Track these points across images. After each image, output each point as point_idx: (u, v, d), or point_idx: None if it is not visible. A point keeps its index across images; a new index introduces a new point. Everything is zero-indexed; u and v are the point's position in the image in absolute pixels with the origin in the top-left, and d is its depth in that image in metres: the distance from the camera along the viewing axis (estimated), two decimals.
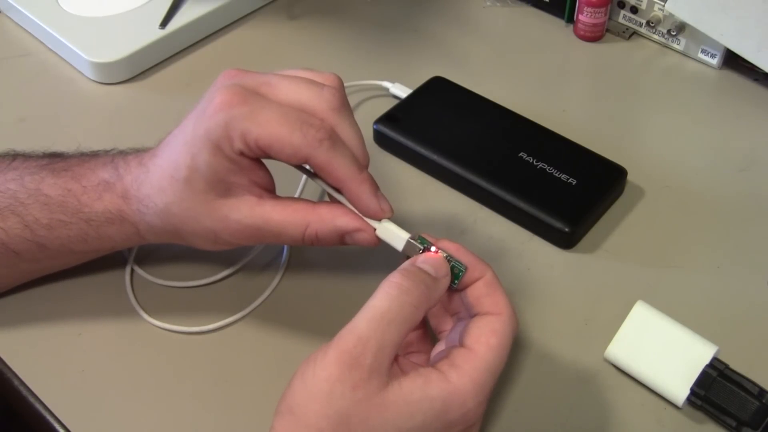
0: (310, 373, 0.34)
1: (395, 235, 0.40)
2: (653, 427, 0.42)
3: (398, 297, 0.36)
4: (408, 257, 0.40)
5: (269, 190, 0.42)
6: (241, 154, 0.39)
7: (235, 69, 0.42)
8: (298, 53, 0.66)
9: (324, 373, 0.34)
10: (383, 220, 0.41)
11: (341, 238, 0.41)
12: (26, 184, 0.44)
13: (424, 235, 0.41)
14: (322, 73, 0.42)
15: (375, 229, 0.41)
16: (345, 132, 0.40)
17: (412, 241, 0.40)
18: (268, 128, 0.38)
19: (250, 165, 0.40)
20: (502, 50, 0.66)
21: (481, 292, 0.39)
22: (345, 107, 0.41)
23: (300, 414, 0.34)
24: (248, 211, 0.40)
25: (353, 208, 0.41)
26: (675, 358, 0.42)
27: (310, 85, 0.40)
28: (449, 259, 0.39)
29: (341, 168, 0.39)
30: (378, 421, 0.34)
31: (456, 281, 0.39)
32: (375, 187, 0.41)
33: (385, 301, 0.36)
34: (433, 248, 0.40)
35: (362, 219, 0.41)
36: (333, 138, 0.39)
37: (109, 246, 0.46)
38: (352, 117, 0.41)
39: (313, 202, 0.41)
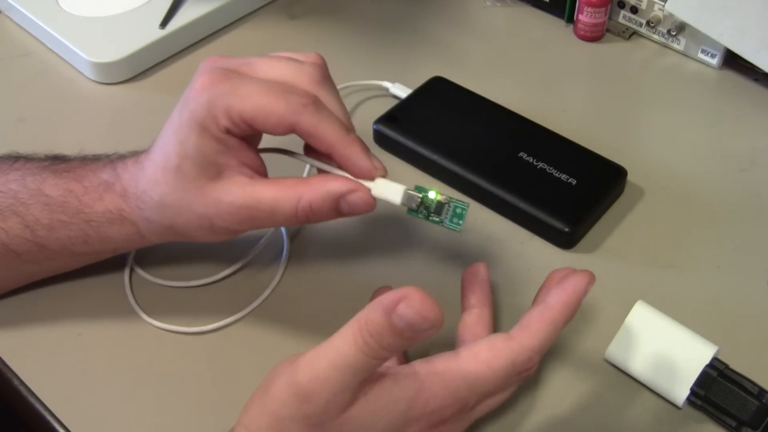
0: (267, 383, 0.34)
1: (391, 189, 0.40)
2: (653, 427, 0.42)
3: (371, 355, 0.32)
4: (408, 209, 0.40)
5: (260, 173, 0.42)
6: (228, 131, 0.39)
7: (217, 55, 0.42)
8: None
9: (274, 389, 0.33)
10: (376, 179, 0.40)
11: (336, 206, 0.40)
12: (28, 185, 0.44)
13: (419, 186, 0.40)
14: (304, 53, 0.42)
15: (370, 189, 0.40)
16: (328, 102, 0.40)
17: (410, 191, 0.40)
18: (251, 100, 0.38)
19: (238, 145, 0.40)
20: (502, 50, 0.66)
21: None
22: (327, 81, 0.41)
23: (250, 425, 0.34)
24: (240, 192, 0.40)
25: (346, 174, 0.40)
26: (675, 358, 0.42)
27: (290, 62, 0.41)
28: (450, 199, 0.39)
29: (329, 130, 0.39)
30: None
31: (460, 221, 0.38)
32: (365, 147, 0.40)
33: (352, 354, 0.32)
34: (431, 193, 0.39)
35: (355, 180, 0.40)
36: (317, 103, 0.39)
37: (111, 248, 0.46)
38: (335, 90, 0.41)
39: (305, 178, 0.41)
